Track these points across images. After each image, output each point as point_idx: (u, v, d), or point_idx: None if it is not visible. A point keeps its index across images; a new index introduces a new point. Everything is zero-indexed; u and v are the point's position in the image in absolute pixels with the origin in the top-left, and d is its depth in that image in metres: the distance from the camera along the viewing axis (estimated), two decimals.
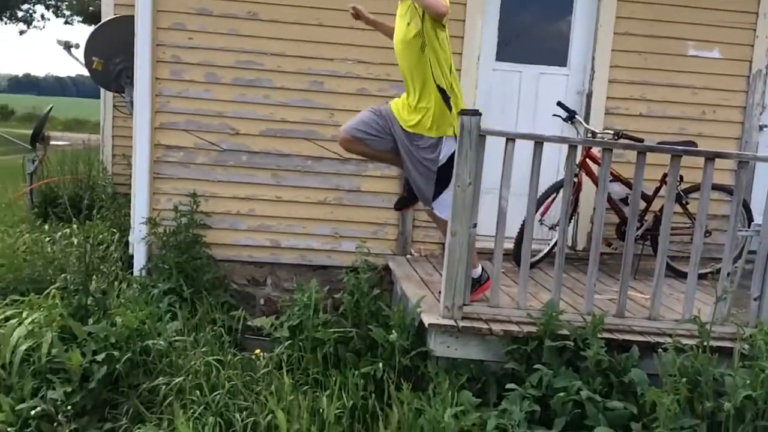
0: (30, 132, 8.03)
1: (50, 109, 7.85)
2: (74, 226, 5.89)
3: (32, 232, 5.78)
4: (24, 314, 3.72)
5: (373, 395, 3.22)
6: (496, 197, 3.37)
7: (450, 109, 3.40)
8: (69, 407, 3.12)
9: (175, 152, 4.69)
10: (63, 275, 4.37)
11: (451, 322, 3.28)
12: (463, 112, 3.24)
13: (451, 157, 3.34)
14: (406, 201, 3.87)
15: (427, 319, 3.33)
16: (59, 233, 5.72)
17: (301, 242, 4.84)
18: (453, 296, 3.30)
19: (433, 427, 2.82)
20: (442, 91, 3.39)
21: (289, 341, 3.62)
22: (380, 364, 3.27)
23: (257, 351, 3.42)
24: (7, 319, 3.73)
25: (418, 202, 3.76)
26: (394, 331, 3.27)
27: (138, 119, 4.55)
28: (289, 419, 2.89)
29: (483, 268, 3.70)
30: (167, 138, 4.67)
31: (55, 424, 3.10)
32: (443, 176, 3.45)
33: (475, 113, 3.22)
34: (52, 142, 7.83)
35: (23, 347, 3.37)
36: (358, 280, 3.82)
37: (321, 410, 3.00)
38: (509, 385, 2.97)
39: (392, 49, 3.56)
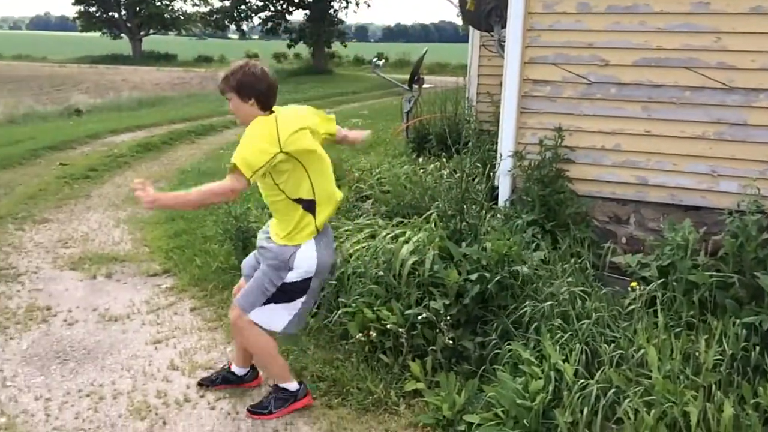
0: (400, 76, 8.95)
1: (425, 52, 8.56)
2: (443, 159, 6.45)
3: (409, 164, 6.50)
4: (407, 234, 4.24)
5: (757, 348, 2.91)
6: None
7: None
8: (448, 318, 3.49)
9: (542, 86, 4.74)
10: (435, 203, 4.84)
11: None
12: None
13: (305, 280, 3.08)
14: None
15: None
16: (431, 166, 6.32)
17: (671, 180, 4.51)
18: None
19: None
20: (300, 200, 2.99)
21: (660, 281, 3.45)
22: None
23: (634, 283, 3.33)
24: (394, 237, 4.30)
25: None
26: None
27: (509, 54, 4.69)
28: (661, 358, 2.79)
29: (302, 383, 3.33)
30: (535, 72, 4.73)
31: (436, 330, 3.51)
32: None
33: None
34: (425, 86, 8.58)
35: (410, 262, 3.84)
36: (744, 223, 3.43)
37: (696, 354, 2.82)
38: None
39: None
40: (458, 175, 4.86)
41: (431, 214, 4.51)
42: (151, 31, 45.38)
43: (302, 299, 3.11)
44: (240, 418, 3.26)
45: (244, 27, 38.61)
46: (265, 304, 3.07)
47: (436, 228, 4.25)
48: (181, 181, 8.29)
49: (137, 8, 42.68)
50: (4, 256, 5.49)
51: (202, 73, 32.28)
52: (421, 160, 6.73)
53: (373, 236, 4.47)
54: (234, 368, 3.52)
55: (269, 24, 34.92)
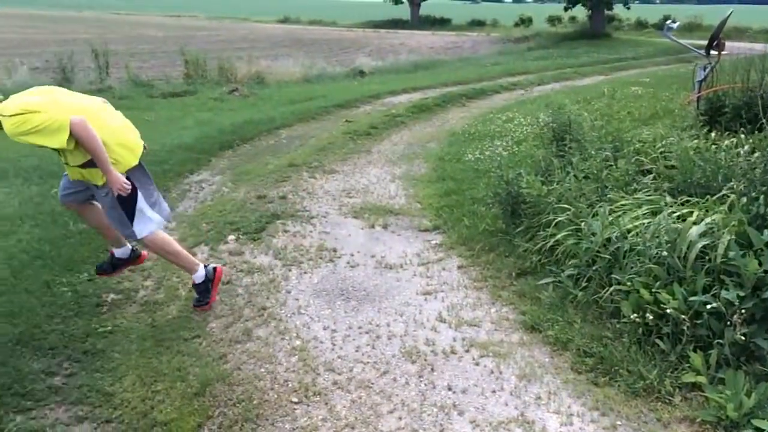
0: (689, 41, 8.02)
1: (730, 14, 7.56)
2: (741, 135, 5.72)
3: (699, 138, 5.88)
4: (695, 214, 3.86)
5: None
6: None
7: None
8: (742, 311, 3.12)
9: None
10: (730, 183, 4.31)
11: None
12: None
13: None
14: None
15: None
16: (726, 141, 5.65)
17: None
18: None
19: None
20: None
21: None
22: None
23: None
24: (680, 217, 3.94)
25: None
26: None
27: None
28: None
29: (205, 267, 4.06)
30: None
31: (725, 322, 3.17)
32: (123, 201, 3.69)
33: None
34: (724, 52, 7.62)
35: (699, 245, 3.50)
36: None
37: None
38: None
39: None
40: (763, 152, 4.29)
41: (727, 195, 4.05)
42: None
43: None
44: (503, 377, 3.31)
45: None
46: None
47: (733, 211, 3.81)
48: (450, 143, 8.54)
49: None
50: (300, 200, 6.20)
51: (474, 37, 32.68)
52: (713, 134, 6.05)
53: (654, 213, 4.17)
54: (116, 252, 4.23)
55: None
